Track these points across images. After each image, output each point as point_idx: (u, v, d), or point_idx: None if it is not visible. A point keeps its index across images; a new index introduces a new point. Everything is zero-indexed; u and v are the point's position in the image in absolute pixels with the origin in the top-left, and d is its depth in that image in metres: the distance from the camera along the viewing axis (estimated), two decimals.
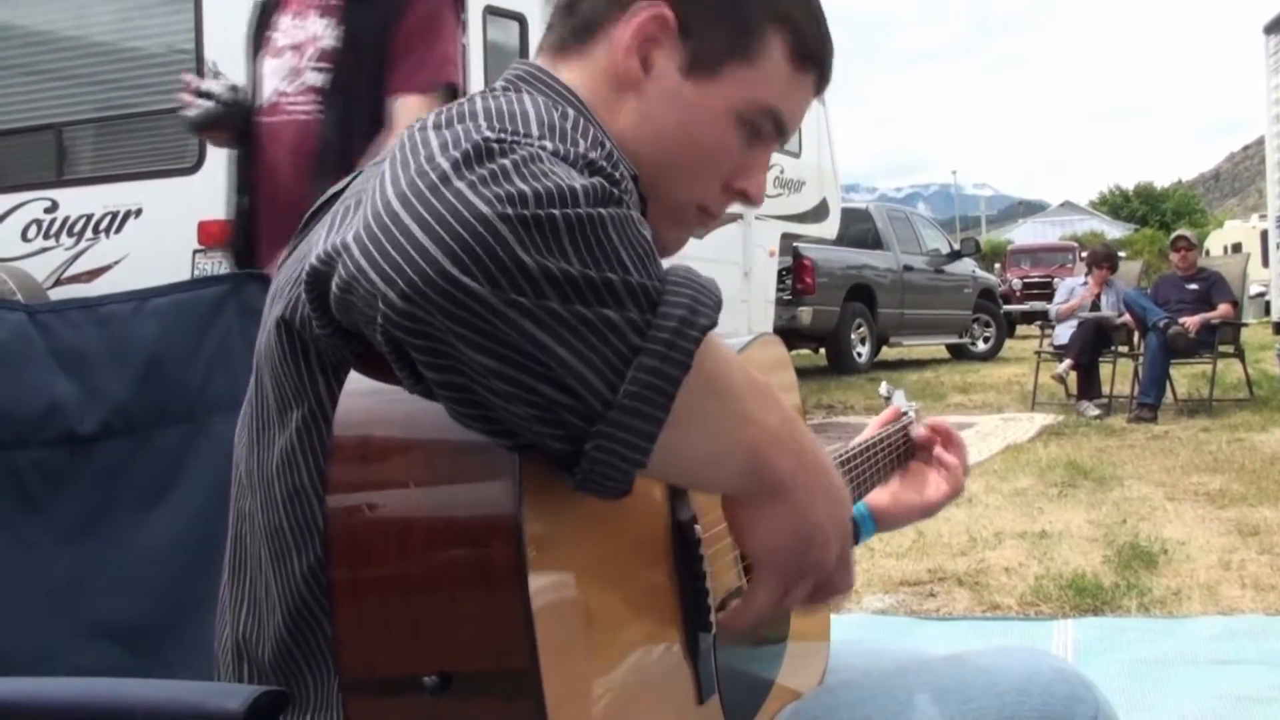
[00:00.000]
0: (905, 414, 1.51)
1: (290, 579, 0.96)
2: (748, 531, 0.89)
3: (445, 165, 0.74)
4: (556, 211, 0.73)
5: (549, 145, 0.80)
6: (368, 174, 0.99)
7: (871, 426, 1.49)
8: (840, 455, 1.30)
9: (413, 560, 0.79)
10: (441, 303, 0.71)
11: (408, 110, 2.87)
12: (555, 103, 0.95)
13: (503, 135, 0.78)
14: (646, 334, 0.75)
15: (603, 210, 0.75)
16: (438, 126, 0.82)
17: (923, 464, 1.49)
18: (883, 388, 1.61)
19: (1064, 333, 10.65)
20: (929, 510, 1.48)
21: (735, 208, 1.21)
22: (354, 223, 0.76)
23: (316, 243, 0.84)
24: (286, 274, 0.99)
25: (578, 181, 0.76)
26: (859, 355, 14.87)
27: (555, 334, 0.72)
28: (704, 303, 0.78)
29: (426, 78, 2.94)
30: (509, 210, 0.72)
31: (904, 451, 1.48)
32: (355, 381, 0.85)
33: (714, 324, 0.78)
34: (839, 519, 0.92)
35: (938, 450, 1.48)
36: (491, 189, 0.73)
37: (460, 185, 0.73)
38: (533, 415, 0.74)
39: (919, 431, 1.49)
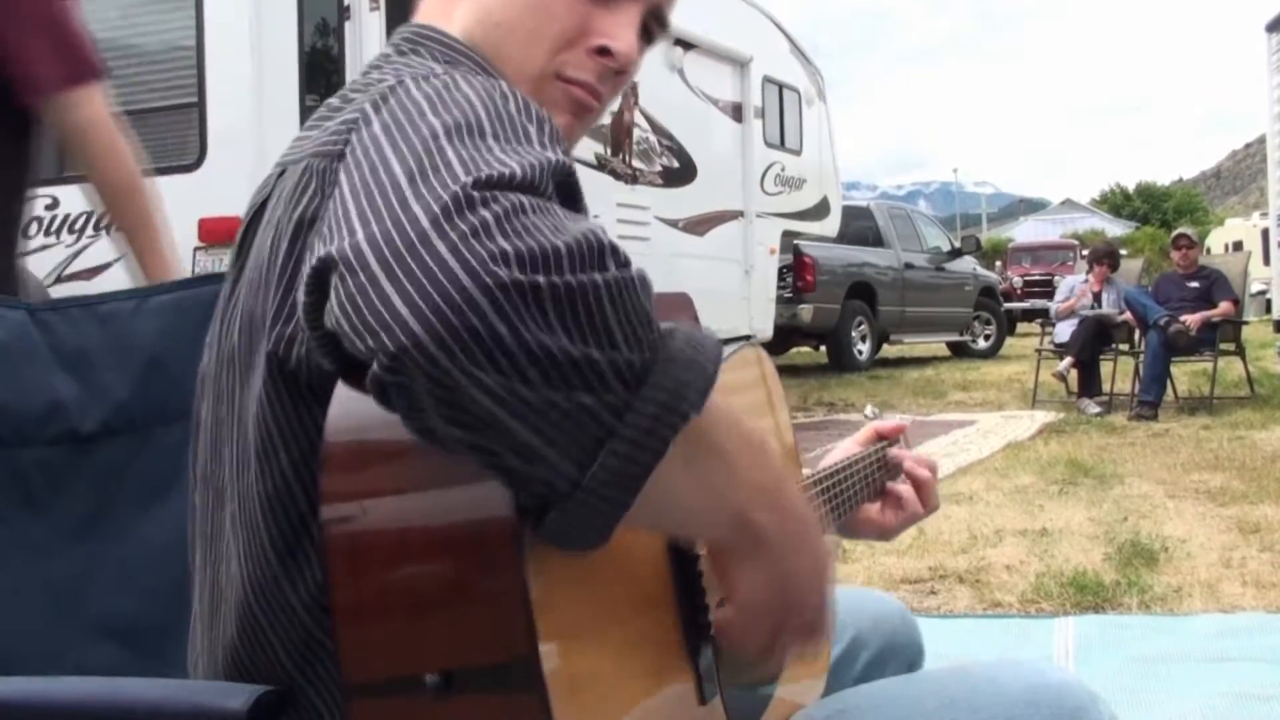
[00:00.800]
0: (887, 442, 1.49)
1: (291, 617, 0.93)
2: (728, 581, 0.89)
3: (424, 220, 0.71)
4: (542, 279, 0.69)
5: (516, 169, 0.75)
6: (303, 173, 0.94)
7: (849, 445, 1.47)
8: (813, 478, 1.29)
9: (411, 563, 0.79)
10: (418, 374, 0.69)
11: (86, 106, 2.31)
12: (476, 71, 0.92)
13: (478, 173, 0.74)
14: (625, 416, 0.72)
15: (596, 277, 0.71)
16: (391, 139, 0.79)
17: (894, 485, 1.46)
18: (868, 409, 1.59)
19: (1065, 330, 10.66)
20: (883, 534, 1.46)
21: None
22: (330, 254, 0.73)
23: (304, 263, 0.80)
24: (254, 302, 0.95)
25: (567, 236, 0.71)
26: (860, 353, 14.87)
27: (526, 420, 0.70)
28: (693, 385, 0.75)
29: (90, 63, 2.34)
30: (490, 279, 0.68)
31: (882, 476, 1.46)
32: (343, 388, 0.84)
33: (700, 408, 0.75)
34: (819, 579, 0.91)
35: (890, 485, 1.45)
36: (473, 249, 0.69)
37: (440, 247, 0.69)
38: (498, 478, 0.73)
39: (895, 453, 1.46)
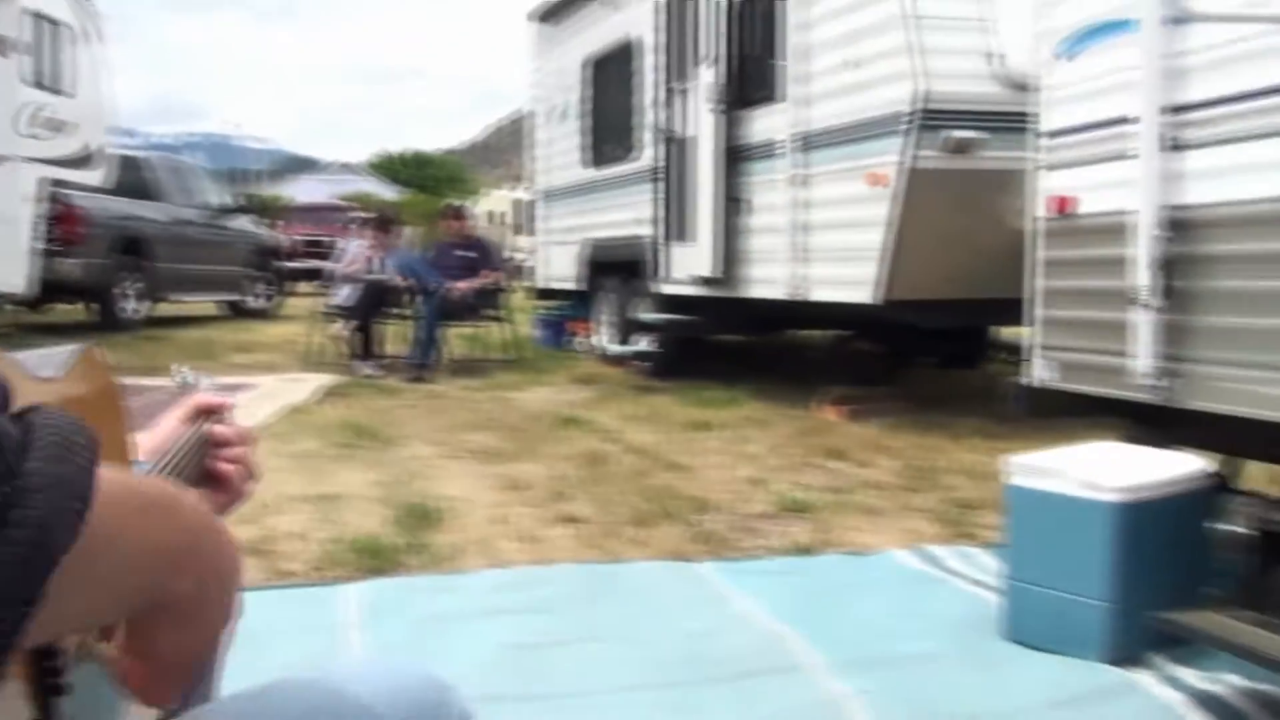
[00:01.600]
0: (212, 408, 1.39)
1: None
2: (144, 643, 0.79)
3: None
4: None
5: None
6: None
7: (172, 419, 1.37)
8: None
9: None
10: None
11: None
12: None
13: None
14: None
15: None
16: None
17: (218, 465, 1.34)
18: (184, 374, 1.47)
19: (345, 293, 10.86)
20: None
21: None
22: None
23: None
24: None
25: None
26: (133, 312, 14.15)
27: None
28: (66, 510, 0.62)
29: None
30: None
31: (207, 455, 1.33)
32: None
33: (79, 535, 0.62)
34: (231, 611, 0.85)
35: (214, 464, 1.34)
36: None
37: None
38: None
39: (217, 430, 1.35)
